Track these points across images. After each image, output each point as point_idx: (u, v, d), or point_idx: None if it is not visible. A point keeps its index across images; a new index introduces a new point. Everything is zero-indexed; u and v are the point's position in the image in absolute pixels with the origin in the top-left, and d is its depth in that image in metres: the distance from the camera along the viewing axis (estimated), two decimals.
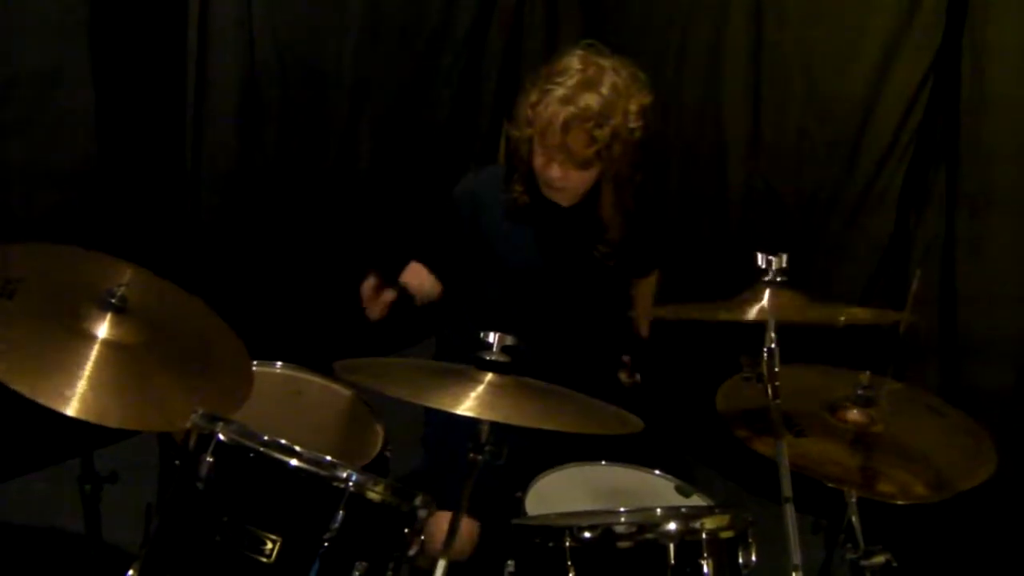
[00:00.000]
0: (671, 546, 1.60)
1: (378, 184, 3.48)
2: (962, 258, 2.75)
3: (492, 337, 1.61)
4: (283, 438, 1.54)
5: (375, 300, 2.19)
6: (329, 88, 3.24)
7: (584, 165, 2.08)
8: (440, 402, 1.51)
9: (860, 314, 2.04)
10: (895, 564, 1.73)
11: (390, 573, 1.61)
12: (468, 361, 1.64)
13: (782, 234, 3.05)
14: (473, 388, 1.55)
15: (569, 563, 1.61)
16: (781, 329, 1.68)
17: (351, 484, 1.53)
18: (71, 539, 2.34)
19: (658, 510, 1.75)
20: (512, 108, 2.19)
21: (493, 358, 1.60)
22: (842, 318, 1.88)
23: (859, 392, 1.93)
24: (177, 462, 1.62)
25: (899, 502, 1.78)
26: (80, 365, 1.58)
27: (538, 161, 2.11)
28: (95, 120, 2.63)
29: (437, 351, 2.47)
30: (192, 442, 1.59)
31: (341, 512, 1.52)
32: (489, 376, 1.58)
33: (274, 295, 3.18)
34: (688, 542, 1.61)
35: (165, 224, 2.86)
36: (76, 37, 2.54)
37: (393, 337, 3.16)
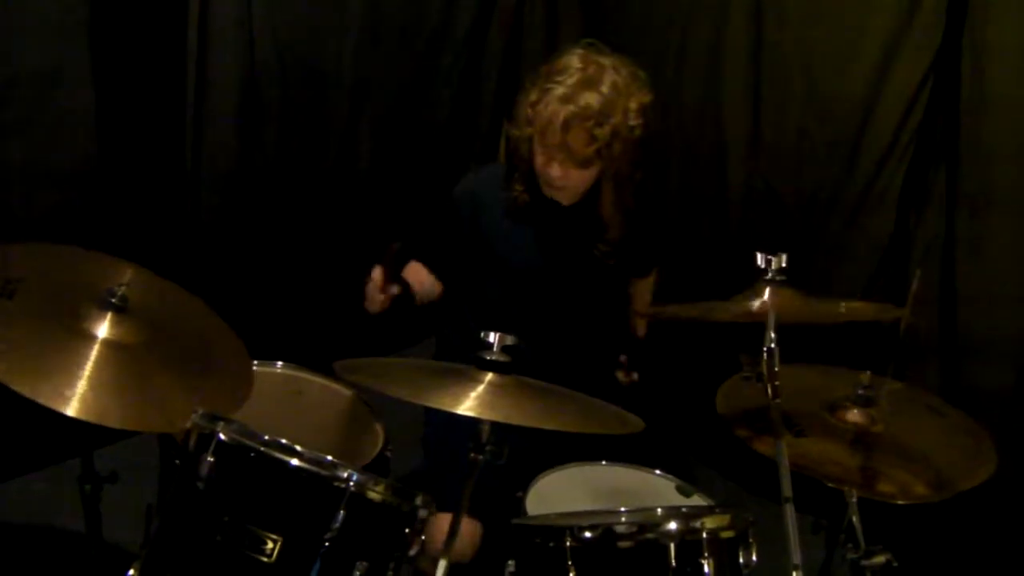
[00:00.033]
0: (672, 546, 1.60)
1: (378, 184, 3.48)
2: (962, 258, 2.75)
3: (492, 337, 1.61)
4: (283, 438, 1.54)
5: (379, 293, 2.17)
6: (329, 88, 3.24)
7: (584, 164, 2.08)
8: (440, 402, 1.51)
9: (861, 307, 2.03)
10: (895, 564, 1.73)
11: (391, 573, 1.61)
12: (468, 361, 1.63)
13: (782, 234, 3.05)
14: (473, 388, 1.55)
15: (570, 563, 1.61)
16: (781, 329, 1.67)
17: (352, 484, 1.53)
18: (71, 539, 2.34)
19: (659, 510, 1.75)
20: (512, 108, 2.19)
21: (493, 358, 1.60)
22: (843, 308, 1.88)
23: (859, 392, 1.93)
24: (177, 462, 1.62)
25: (899, 502, 1.78)
26: (80, 365, 1.58)
27: (538, 160, 2.11)
28: (95, 120, 2.63)
29: (437, 351, 2.47)
30: (192, 442, 1.59)
31: (342, 512, 1.52)
32: (489, 376, 1.58)
33: (274, 295, 3.17)
34: (689, 542, 1.61)
35: (165, 224, 2.86)
36: (76, 37, 2.54)
37: (393, 337, 3.16)
